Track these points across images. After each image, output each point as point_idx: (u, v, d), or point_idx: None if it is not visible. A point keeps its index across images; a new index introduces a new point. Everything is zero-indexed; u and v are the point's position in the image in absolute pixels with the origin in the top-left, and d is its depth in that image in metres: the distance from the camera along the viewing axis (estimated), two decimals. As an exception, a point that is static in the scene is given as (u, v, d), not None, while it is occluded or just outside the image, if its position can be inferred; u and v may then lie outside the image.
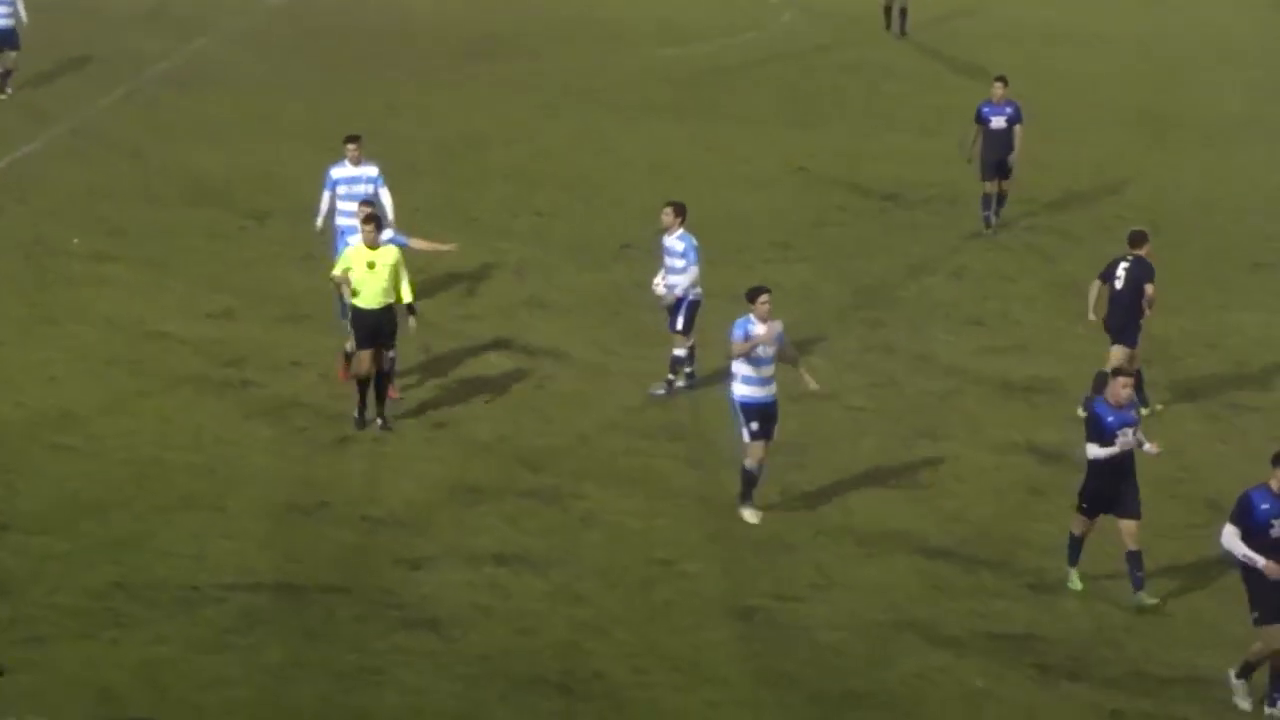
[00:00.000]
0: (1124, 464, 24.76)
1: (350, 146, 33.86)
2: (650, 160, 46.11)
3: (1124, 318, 31.40)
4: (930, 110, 50.95)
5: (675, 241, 31.65)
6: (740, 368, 26.69)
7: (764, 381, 26.72)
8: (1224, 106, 52.50)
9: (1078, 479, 27.13)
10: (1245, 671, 22.68)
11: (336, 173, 33.77)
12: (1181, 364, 33.75)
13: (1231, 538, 22.30)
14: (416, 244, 31.87)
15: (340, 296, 31.29)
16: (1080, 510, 25.20)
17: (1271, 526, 22.10)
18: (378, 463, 29.09)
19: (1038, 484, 28.99)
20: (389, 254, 29.63)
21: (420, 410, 30.94)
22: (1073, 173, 43.80)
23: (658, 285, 31.87)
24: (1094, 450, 24.63)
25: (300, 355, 33.01)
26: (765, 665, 23.76)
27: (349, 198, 33.26)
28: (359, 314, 29.71)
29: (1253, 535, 22.17)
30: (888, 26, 59.51)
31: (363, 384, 29.69)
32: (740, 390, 26.83)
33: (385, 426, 29.79)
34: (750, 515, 27.05)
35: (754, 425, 26.81)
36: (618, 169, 45.44)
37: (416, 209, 38.41)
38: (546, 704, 22.66)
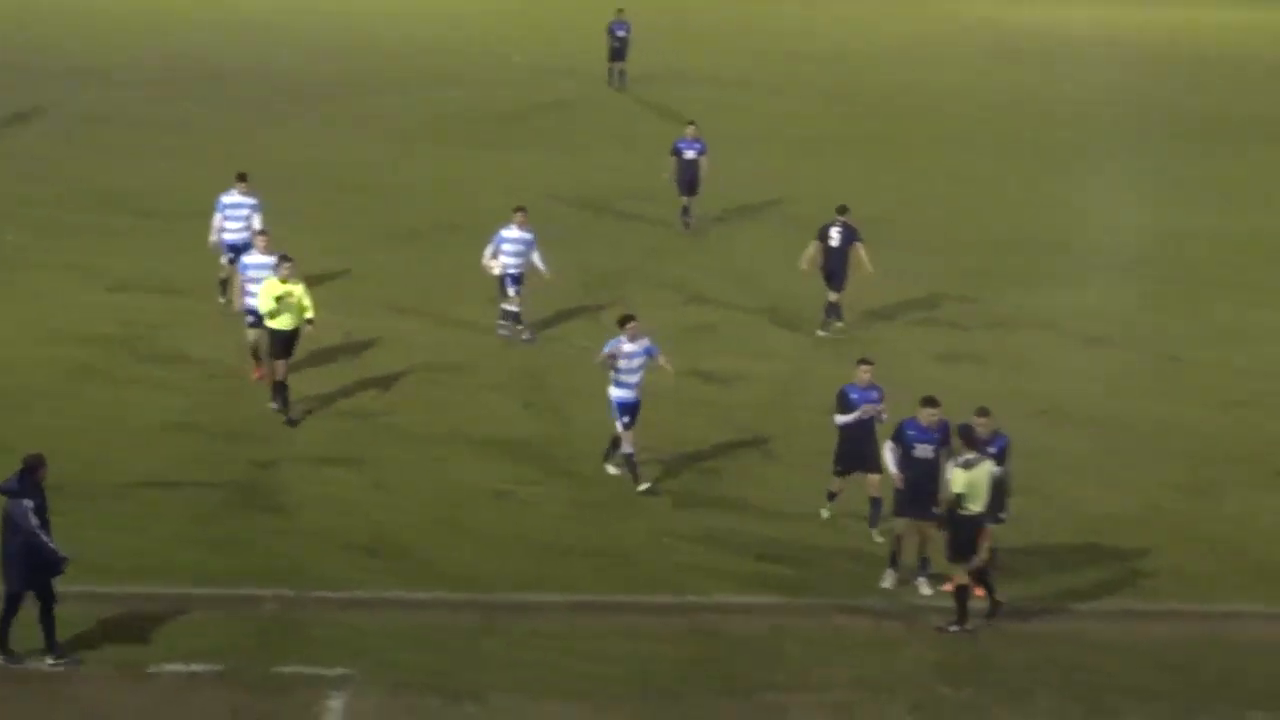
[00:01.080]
0: (866, 430, 23.98)
1: (240, 183, 32.51)
2: (439, 174, 45.87)
3: (837, 266, 32.56)
4: (628, 135, 51.22)
5: (525, 234, 31.90)
6: (613, 375, 25.53)
7: (630, 385, 25.56)
8: (820, 130, 53.26)
9: (729, 392, 27.51)
10: (892, 560, 22.75)
11: (225, 199, 32.44)
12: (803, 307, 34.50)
13: (888, 454, 22.50)
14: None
15: (232, 296, 29.83)
16: (836, 473, 24.37)
17: (914, 448, 22.20)
18: (234, 392, 28.87)
19: (706, 398, 29.26)
20: (298, 287, 27.71)
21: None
22: (734, 181, 44.18)
23: (490, 265, 31.78)
24: (840, 418, 23.98)
25: (177, 318, 32.61)
26: (513, 530, 24.03)
27: (234, 219, 32.25)
28: (276, 334, 27.65)
29: (903, 453, 22.29)
30: (610, 84, 59.00)
31: (277, 385, 27.72)
32: (613, 392, 25.58)
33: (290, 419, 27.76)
34: (612, 469, 26.05)
35: (625, 419, 25.44)
36: (418, 181, 45.01)
37: (282, 212, 38.11)
38: (360, 562, 22.83)
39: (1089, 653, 20.94)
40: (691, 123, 41.07)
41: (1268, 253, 39.26)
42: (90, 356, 30.53)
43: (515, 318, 32.30)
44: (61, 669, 19.96)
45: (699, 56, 67.09)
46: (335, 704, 19.40)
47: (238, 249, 31.81)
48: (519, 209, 32.30)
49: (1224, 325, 33.95)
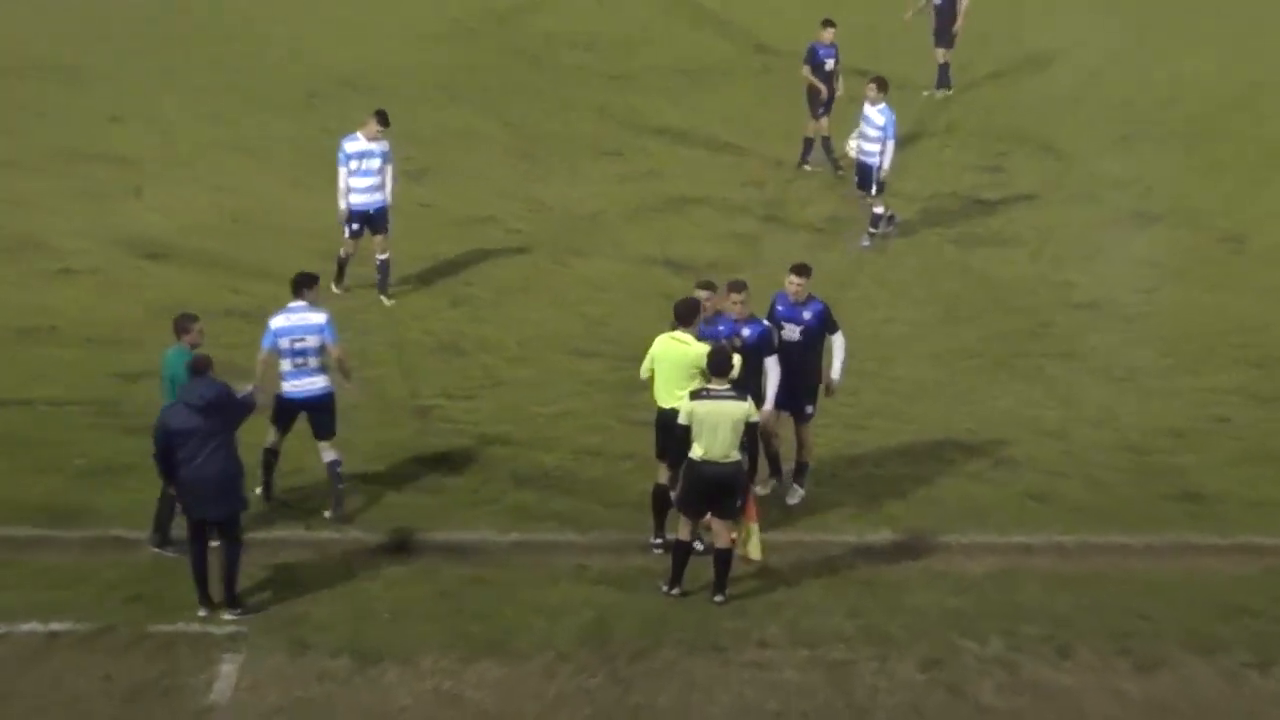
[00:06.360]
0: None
1: (373, 124, 28.31)
2: (330, 17, 45.51)
3: (944, 25, 40.50)
4: None
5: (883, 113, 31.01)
6: None
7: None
8: None
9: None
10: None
11: (349, 146, 28.32)
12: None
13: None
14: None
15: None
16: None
17: (781, 328, 22.15)
18: (96, 291, 28.68)
19: (669, 290, 29.06)
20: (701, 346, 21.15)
21: (133, 242, 30.64)
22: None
23: (849, 147, 31.79)
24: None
25: (34, 199, 32.49)
26: (439, 453, 23.88)
27: (362, 173, 28.26)
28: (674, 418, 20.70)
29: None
30: None
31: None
32: None
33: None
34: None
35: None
36: (303, 23, 44.69)
37: (145, 71, 37.83)
38: (254, 494, 22.26)
39: (1140, 596, 20.93)
40: (830, 22, 35.44)
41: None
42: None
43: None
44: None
45: None
46: (227, 668, 19.32)
47: (369, 219, 28.61)
48: (875, 80, 31.29)
49: (1298, 201, 34.08)
